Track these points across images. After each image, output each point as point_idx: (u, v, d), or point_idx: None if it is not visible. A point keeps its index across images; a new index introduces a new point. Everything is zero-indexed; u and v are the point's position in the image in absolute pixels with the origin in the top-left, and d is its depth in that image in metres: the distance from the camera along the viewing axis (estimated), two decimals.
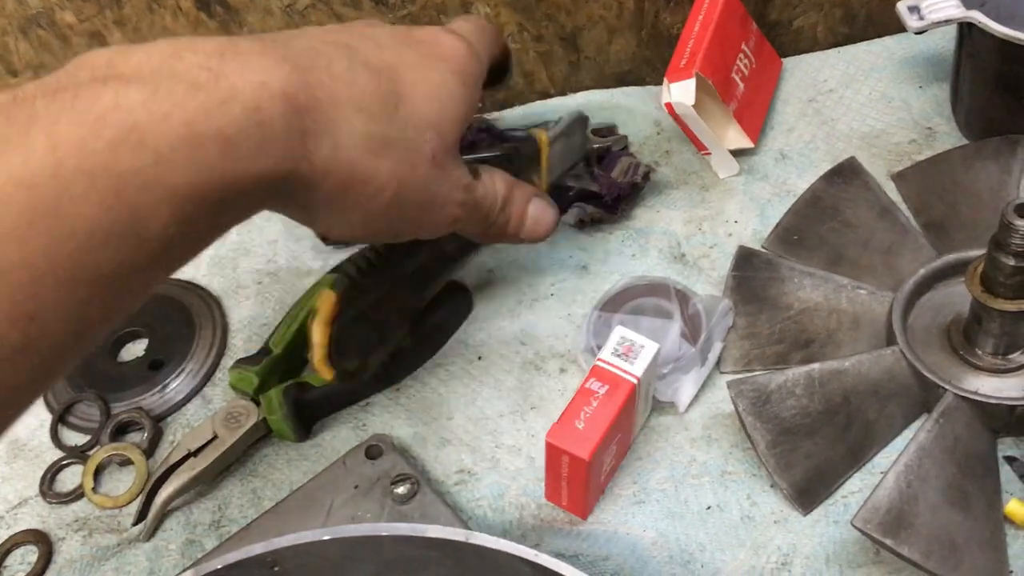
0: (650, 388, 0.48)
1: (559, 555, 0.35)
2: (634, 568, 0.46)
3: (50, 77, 0.31)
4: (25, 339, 0.28)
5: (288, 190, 0.35)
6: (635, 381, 0.45)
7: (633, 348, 0.46)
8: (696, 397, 0.51)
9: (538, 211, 0.48)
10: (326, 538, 0.34)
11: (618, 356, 0.46)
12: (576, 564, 0.37)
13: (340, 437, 0.53)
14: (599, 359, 0.46)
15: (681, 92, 0.57)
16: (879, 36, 0.66)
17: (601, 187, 0.58)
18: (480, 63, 0.43)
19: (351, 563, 0.35)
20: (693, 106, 0.57)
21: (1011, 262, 0.43)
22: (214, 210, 0.32)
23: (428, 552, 0.34)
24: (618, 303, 0.53)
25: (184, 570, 0.34)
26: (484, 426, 0.52)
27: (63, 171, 0.28)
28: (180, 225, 0.31)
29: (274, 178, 0.33)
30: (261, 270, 0.63)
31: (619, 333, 0.47)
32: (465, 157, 0.44)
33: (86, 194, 0.28)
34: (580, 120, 0.58)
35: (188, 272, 0.63)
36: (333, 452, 0.52)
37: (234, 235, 0.65)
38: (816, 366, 0.48)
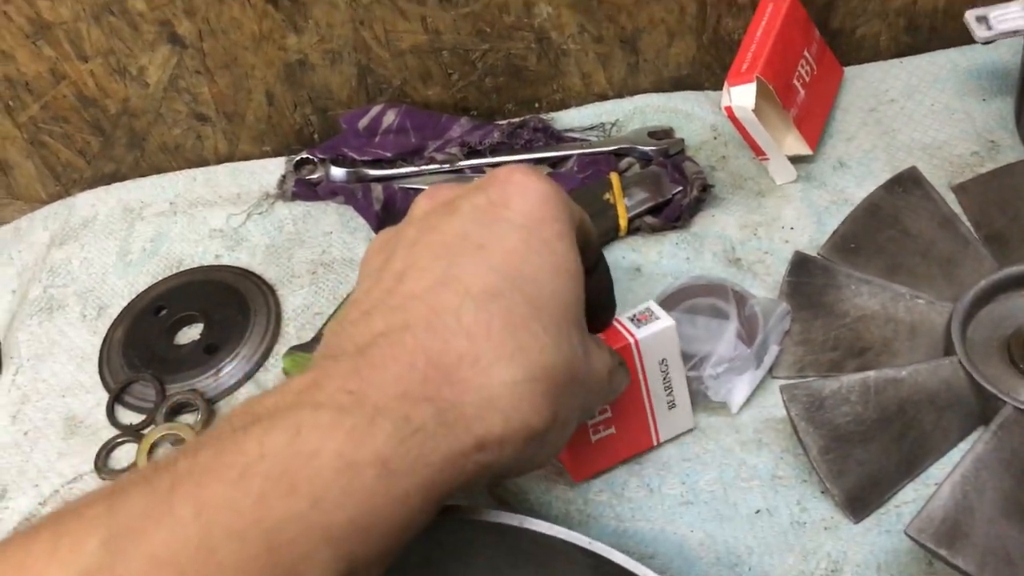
0: (672, 371, 0.47)
1: None
2: (680, 568, 0.46)
3: (193, 439, 0.30)
4: None
5: (468, 483, 0.31)
6: (630, 341, 0.45)
7: (649, 317, 0.46)
8: (748, 400, 0.51)
9: (620, 381, 0.41)
10: None
11: (632, 320, 0.46)
12: None
13: None
14: (616, 319, 0.46)
15: (742, 96, 0.57)
16: (943, 47, 0.65)
17: (671, 204, 0.59)
18: (563, 199, 0.36)
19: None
20: (753, 110, 0.57)
21: None
22: (380, 544, 0.29)
23: (483, 535, 0.34)
24: (675, 301, 0.53)
25: None
26: None
27: (211, 539, 0.26)
28: (343, 564, 0.28)
29: (447, 488, 0.30)
30: (315, 260, 0.64)
31: (646, 304, 0.47)
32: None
33: (236, 560, 0.26)
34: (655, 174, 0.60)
35: (244, 260, 0.65)
36: None
37: (290, 225, 0.66)
38: (872, 374, 0.48)
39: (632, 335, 0.45)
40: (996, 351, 0.49)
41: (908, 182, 0.57)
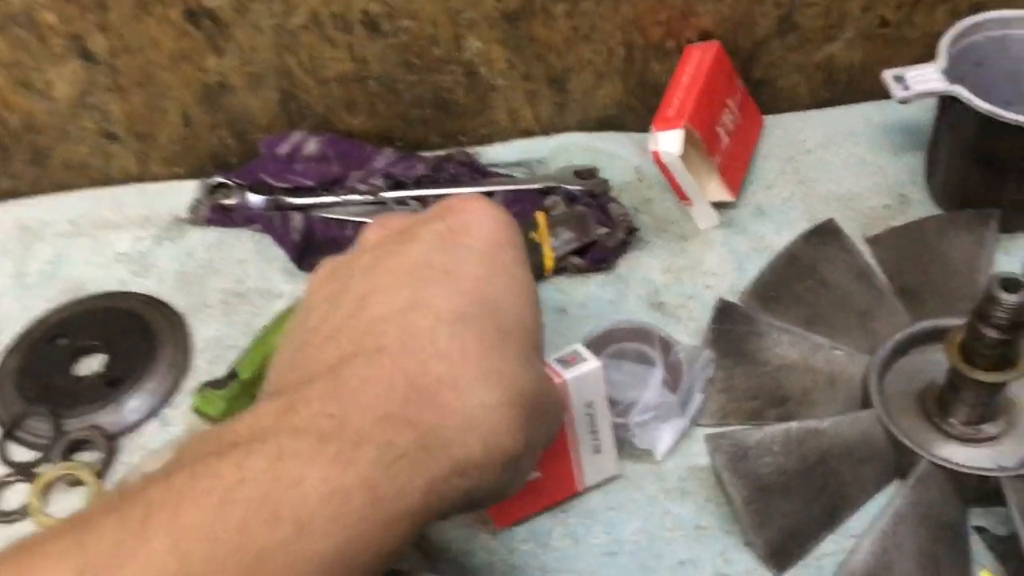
0: (597, 415, 0.47)
1: None
2: None
3: (162, 465, 0.28)
4: None
5: (449, 508, 0.31)
6: (558, 381, 0.44)
7: (576, 359, 0.45)
8: (672, 448, 0.51)
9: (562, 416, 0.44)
10: None
11: (559, 362, 0.45)
12: None
13: None
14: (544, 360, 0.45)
15: (669, 142, 0.57)
16: (859, 101, 0.67)
17: (596, 245, 0.59)
18: (516, 226, 0.37)
19: None
20: (679, 156, 0.57)
21: (993, 334, 0.44)
22: (364, 569, 0.28)
23: None
24: (601, 344, 0.52)
25: None
26: None
27: (190, 570, 0.24)
28: None
29: (430, 513, 0.30)
30: (229, 290, 0.61)
31: (573, 346, 0.46)
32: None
33: None
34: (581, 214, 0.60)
35: (152, 287, 0.62)
36: None
37: (202, 251, 0.63)
38: (794, 424, 0.48)
39: (560, 376, 0.45)
40: (911, 404, 0.50)
41: (826, 233, 0.58)
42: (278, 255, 0.62)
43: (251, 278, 0.62)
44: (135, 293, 0.61)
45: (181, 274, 0.62)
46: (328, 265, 0.38)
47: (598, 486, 0.49)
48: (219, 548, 0.25)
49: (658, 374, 0.51)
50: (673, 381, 0.51)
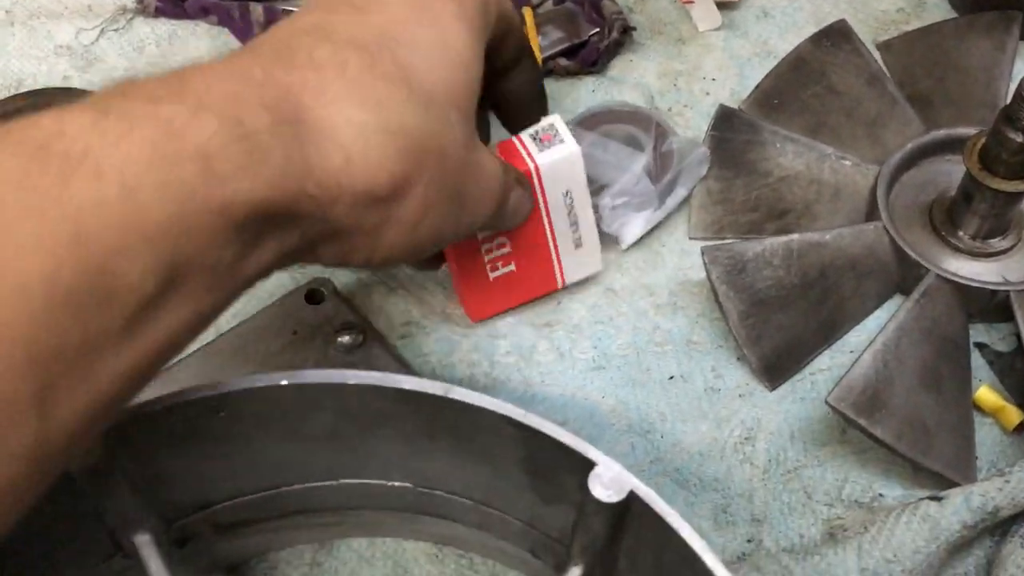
0: (576, 205, 0.43)
1: None
2: (591, 435, 0.43)
3: None
4: None
5: (298, 224, 0.28)
6: (530, 166, 0.40)
7: (552, 138, 0.41)
8: (661, 262, 0.48)
9: (520, 201, 0.39)
10: (283, 383, 0.29)
11: (533, 139, 0.41)
12: None
13: (274, 279, 0.47)
14: (515, 136, 0.41)
15: None
16: None
17: (587, 46, 0.54)
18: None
19: (307, 412, 0.31)
20: None
21: (1018, 138, 0.40)
22: (209, 253, 0.25)
23: (398, 406, 0.30)
24: (595, 122, 0.49)
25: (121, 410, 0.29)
26: (433, 276, 0.48)
27: (2, 218, 0.21)
28: (162, 278, 0.23)
29: (275, 209, 0.26)
30: None
31: (550, 120, 0.42)
32: None
33: (36, 238, 0.21)
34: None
35: (97, 83, 0.56)
36: (266, 294, 0.47)
37: (152, 46, 0.58)
38: (795, 237, 0.45)
39: (533, 160, 0.40)
40: (919, 216, 0.47)
41: (837, 36, 0.54)
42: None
43: None
44: (80, 89, 0.56)
45: (130, 71, 0.57)
46: None
47: (585, 300, 0.47)
48: (35, 195, 0.22)
49: (642, 160, 0.47)
50: (661, 171, 0.48)
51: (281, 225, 0.27)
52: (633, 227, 0.48)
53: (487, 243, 0.42)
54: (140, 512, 0.31)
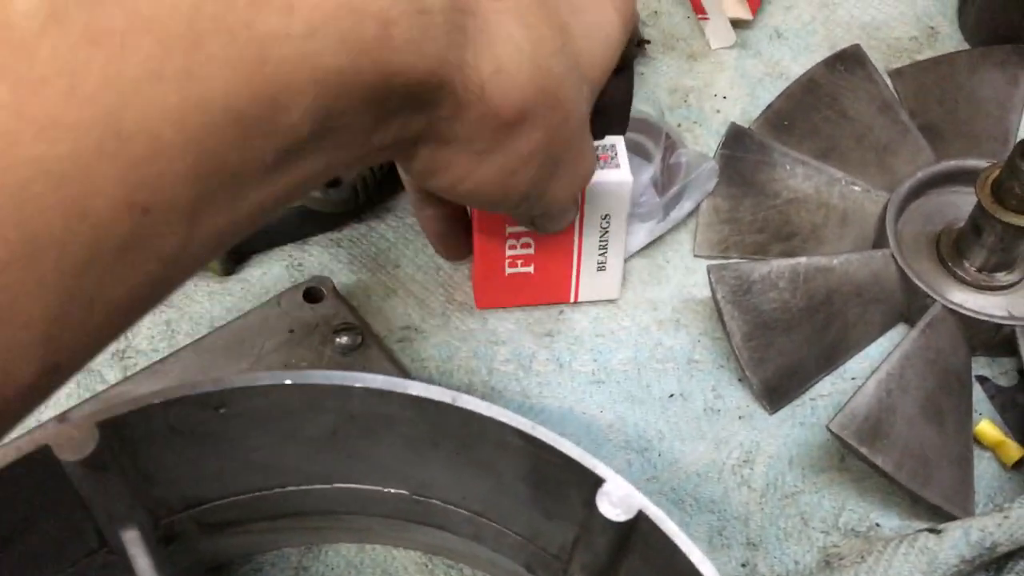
0: (612, 231, 0.43)
1: None
2: (588, 449, 0.42)
3: None
4: (134, 236, 0.20)
5: (427, 113, 0.27)
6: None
7: (610, 161, 0.42)
8: (665, 278, 0.47)
9: (570, 212, 0.39)
10: (288, 382, 0.29)
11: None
12: None
13: (271, 275, 0.47)
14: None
15: None
16: None
17: None
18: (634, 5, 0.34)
19: (309, 413, 0.30)
20: None
21: None
22: (357, 113, 0.24)
23: (402, 411, 0.29)
24: None
25: (120, 402, 0.28)
26: (435, 278, 0.47)
27: (199, 19, 0.20)
28: (316, 124, 0.23)
29: (428, 85, 0.26)
30: None
31: (613, 140, 0.42)
32: None
33: (224, 55, 0.21)
34: None
35: None
36: (262, 291, 0.46)
37: None
38: (803, 260, 0.45)
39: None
40: (926, 247, 0.47)
41: (851, 60, 0.53)
42: None
43: None
44: None
45: None
46: None
47: (587, 312, 0.46)
48: (230, 15, 0.21)
49: (649, 170, 0.47)
50: (668, 183, 0.48)
51: (417, 108, 0.26)
52: (636, 237, 0.47)
53: (513, 239, 0.42)
54: (129, 507, 0.30)
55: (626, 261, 0.47)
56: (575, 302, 0.46)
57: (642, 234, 0.47)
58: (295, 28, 0.22)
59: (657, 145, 0.48)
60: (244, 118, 0.21)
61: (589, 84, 0.31)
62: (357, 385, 0.28)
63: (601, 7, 0.31)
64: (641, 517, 0.27)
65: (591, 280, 0.45)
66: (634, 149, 0.48)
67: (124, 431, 0.28)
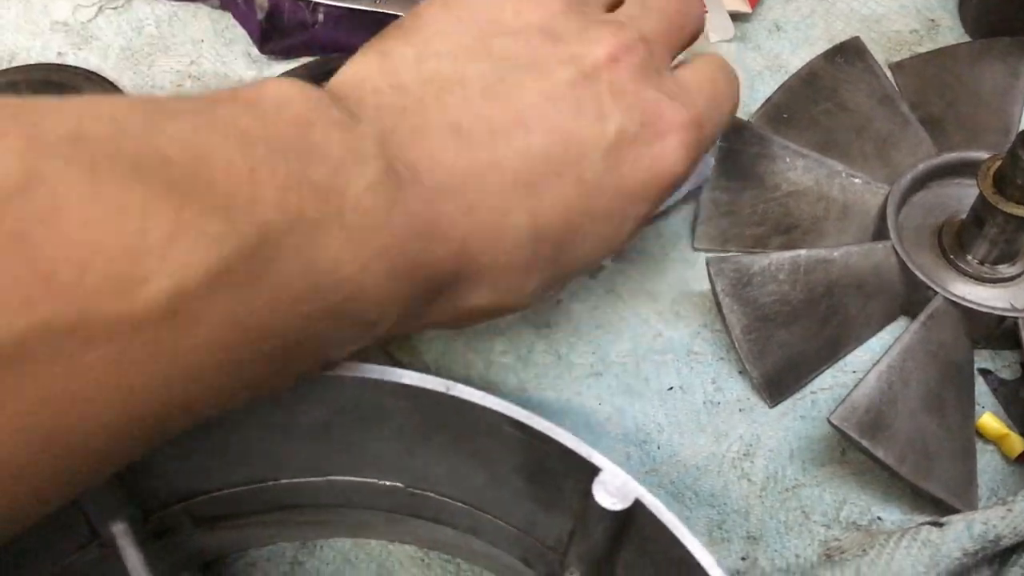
0: None
1: None
2: (587, 442, 0.42)
3: None
4: None
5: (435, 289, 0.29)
6: None
7: None
8: (664, 270, 0.47)
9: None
10: None
11: None
12: None
13: None
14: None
15: None
16: None
17: None
18: (692, 171, 0.35)
19: (301, 403, 0.29)
20: None
21: None
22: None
23: (396, 401, 0.29)
24: None
25: None
26: None
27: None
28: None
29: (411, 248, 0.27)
30: (182, 71, 0.55)
31: None
32: None
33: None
34: None
35: (94, 63, 0.55)
36: None
37: (152, 27, 0.56)
38: (803, 252, 0.45)
39: None
40: (926, 239, 0.46)
41: (850, 53, 0.53)
42: (239, 36, 0.56)
43: (207, 60, 0.55)
44: (74, 67, 0.54)
45: (127, 51, 0.55)
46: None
47: (586, 301, 0.46)
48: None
49: None
50: None
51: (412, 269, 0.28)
52: None
53: None
54: (119, 499, 0.30)
55: (623, 254, 0.47)
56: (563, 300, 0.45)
57: None
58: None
59: None
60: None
61: (564, 276, 0.33)
62: (349, 375, 0.28)
63: (612, 220, 0.32)
64: (638, 506, 0.26)
65: None
66: None
67: None
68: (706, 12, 0.54)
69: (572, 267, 0.32)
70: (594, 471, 0.27)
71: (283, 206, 0.22)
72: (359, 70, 0.29)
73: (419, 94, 0.28)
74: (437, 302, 0.28)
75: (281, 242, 0.21)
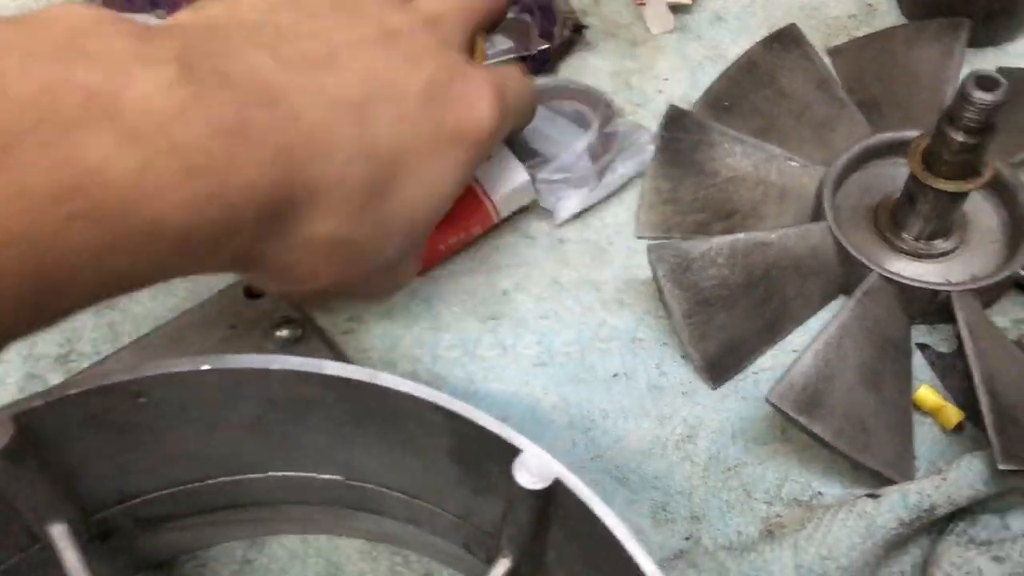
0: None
1: None
2: (533, 432, 0.42)
3: None
4: None
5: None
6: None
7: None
8: (609, 259, 0.48)
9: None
10: (205, 368, 0.29)
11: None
12: None
13: (218, 274, 0.47)
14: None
15: None
16: None
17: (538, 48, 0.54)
18: (500, 136, 0.37)
19: (231, 399, 0.30)
20: None
21: (960, 137, 0.40)
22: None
23: (324, 392, 0.29)
24: (548, 94, 0.50)
25: (35, 394, 0.28)
26: None
27: None
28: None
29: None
30: None
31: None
32: None
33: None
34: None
35: None
36: (206, 288, 0.46)
37: None
38: (741, 236, 0.45)
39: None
40: (863, 219, 0.47)
41: (787, 40, 0.54)
42: None
43: None
44: None
45: None
46: None
47: (531, 292, 0.46)
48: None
49: (585, 139, 0.48)
50: (603, 151, 0.48)
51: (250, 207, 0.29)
52: (569, 203, 0.48)
53: None
54: (55, 501, 0.30)
55: (568, 241, 0.48)
56: (499, 222, 0.47)
57: (576, 200, 0.48)
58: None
59: (595, 112, 0.49)
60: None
61: (409, 234, 0.34)
62: (274, 367, 0.28)
63: (446, 166, 0.34)
64: (557, 484, 0.27)
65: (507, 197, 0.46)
66: (574, 117, 0.49)
67: (41, 423, 0.28)
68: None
69: (403, 213, 0.33)
70: (515, 452, 0.28)
71: (27, 106, 0.22)
72: (173, 19, 0.30)
73: (232, 28, 0.29)
74: (279, 229, 0.29)
75: (22, 139, 0.22)
